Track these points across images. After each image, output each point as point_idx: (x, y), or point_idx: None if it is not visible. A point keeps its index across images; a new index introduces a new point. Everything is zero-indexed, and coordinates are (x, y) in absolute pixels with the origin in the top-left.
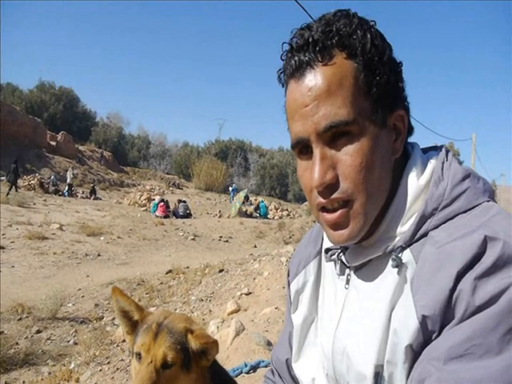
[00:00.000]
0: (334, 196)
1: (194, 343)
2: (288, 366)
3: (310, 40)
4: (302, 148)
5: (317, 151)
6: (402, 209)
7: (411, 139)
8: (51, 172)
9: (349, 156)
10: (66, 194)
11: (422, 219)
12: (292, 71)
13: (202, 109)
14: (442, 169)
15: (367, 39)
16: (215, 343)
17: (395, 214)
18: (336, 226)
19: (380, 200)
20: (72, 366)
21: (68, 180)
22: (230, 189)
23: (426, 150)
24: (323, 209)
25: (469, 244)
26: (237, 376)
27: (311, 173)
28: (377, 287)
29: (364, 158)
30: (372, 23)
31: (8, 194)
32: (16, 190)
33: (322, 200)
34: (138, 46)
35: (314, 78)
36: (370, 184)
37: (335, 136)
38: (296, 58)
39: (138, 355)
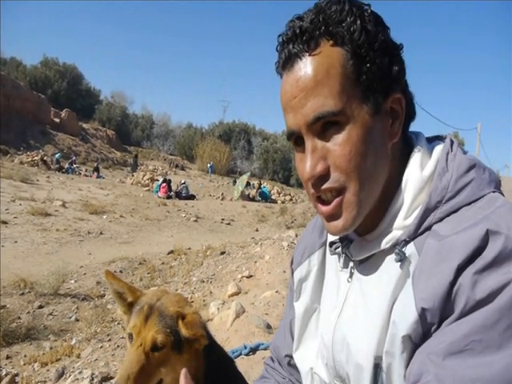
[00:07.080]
0: (325, 186)
1: (183, 331)
2: (286, 356)
3: (298, 31)
4: (297, 139)
5: (308, 143)
6: (405, 201)
7: (416, 128)
8: (55, 149)
9: (338, 146)
10: (70, 170)
11: (426, 212)
12: (283, 63)
13: (206, 90)
14: (447, 160)
15: (356, 26)
16: (203, 337)
17: (398, 206)
18: (330, 217)
19: (376, 188)
20: (73, 341)
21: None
22: (208, 165)
23: (430, 140)
24: (319, 199)
25: (470, 238)
26: (236, 358)
27: (304, 165)
28: (380, 280)
29: (353, 146)
30: (366, 7)
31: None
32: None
33: (315, 191)
34: (143, 24)
35: (301, 69)
36: (363, 172)
37: (325, 126)
38: (286, 50)
39: (130, 336)
